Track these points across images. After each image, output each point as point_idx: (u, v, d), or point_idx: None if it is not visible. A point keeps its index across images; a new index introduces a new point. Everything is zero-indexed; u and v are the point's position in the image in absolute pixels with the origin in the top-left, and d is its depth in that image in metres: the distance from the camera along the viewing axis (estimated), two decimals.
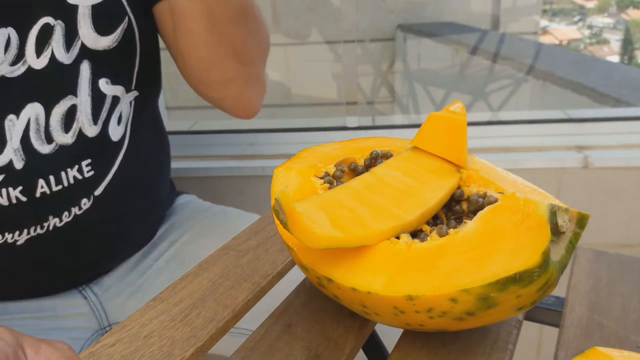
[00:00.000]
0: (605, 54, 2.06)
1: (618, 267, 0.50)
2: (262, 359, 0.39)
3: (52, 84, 0.55)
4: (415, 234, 0.39)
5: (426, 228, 0.40)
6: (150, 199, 0.71)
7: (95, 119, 0.58)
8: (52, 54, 0.55)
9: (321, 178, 0.45)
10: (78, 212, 0.59)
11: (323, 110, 1.69)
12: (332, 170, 0.46)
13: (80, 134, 0.57)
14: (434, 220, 0.42)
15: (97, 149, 0.59)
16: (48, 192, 0.56)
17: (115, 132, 0.61)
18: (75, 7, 0.55)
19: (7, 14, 0.52)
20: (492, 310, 0.34)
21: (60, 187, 0.56)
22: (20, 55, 0.53)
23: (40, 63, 0.54)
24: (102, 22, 0.57)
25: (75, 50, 0.56)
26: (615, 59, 2.06)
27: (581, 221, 0.36)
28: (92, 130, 0.58)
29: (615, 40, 1.99)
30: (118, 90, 0.60)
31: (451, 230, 0.37)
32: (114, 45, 0.59)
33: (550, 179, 1.04)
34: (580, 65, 1.84)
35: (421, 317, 0.35)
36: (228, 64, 0.66)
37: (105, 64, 0.58)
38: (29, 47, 0.53)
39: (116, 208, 0.63)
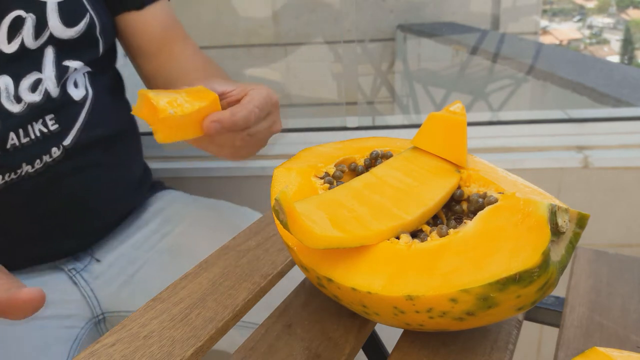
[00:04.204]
0: (605, 54, 2.06)
1: (618, 267, 0.50)
2: (262, 359, 0.39)
3: (20, 64, 0.63)
4: (415, 234, 0.39)
5: (426, 228, 0.40)
6: (118, 159, 0.75)
7: (58, 83, 0.66)
8: (22, 42, 0.63)
9: (321, 178, 0.45)
10: (49, 160, 0.66)
11: (323, 110, 1.69)
12: (332, 170, 0.46)
13: (47, 93, 0.65)
14: (434, 220, 0.42)
15: (60, 105, 0.66)
16: (18, 144, 0.63)
17: (75, 93, 0.68)
18: (44, 4, 0.64)
19: None
20: (492, 310, 0.34)
21: (27, 139, 0.64)
22: None
23: (10, 48, 0.62)
24: (68, 16, 0.66)
25: (44, 38, 0.65)
26: (615, 59, 2.06)
27: (581, 221, 0.36)
28: (56, 92, 0.66)
29: (615, 40, 1.99)
30: (78, 64, 0.69)
31: (451, 230, 0.37)
32: (77, 36, 0.67)
33: (550, 179, 1.04)
34: (580, 65, 1.84)
35: (421, 317, 0.35)
36: None
37: (69, 49, 0.67)
38: (1, 34, 0.61)
39: (85, 159, 0.69)
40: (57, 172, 0.67)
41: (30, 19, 0.63)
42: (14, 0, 0.62)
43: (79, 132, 0.68)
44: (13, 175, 0.64)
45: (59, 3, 0.65)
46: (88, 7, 0.69)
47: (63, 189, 0.68)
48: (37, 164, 0.65)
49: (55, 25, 0.65)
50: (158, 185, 0.89)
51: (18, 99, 0.63)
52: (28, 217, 0.67)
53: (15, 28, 0.62)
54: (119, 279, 0.75)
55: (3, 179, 0.63)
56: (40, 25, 0.64)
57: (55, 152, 0.66)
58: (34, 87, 0.64)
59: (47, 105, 0.65)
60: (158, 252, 0.77)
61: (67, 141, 0.67)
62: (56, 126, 0.66)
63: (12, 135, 0.63)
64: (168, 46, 0.79)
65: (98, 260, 0.76)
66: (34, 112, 0.64)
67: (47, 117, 0.65)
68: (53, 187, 0.67)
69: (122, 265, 0.76)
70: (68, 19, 0.66)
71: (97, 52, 0.71)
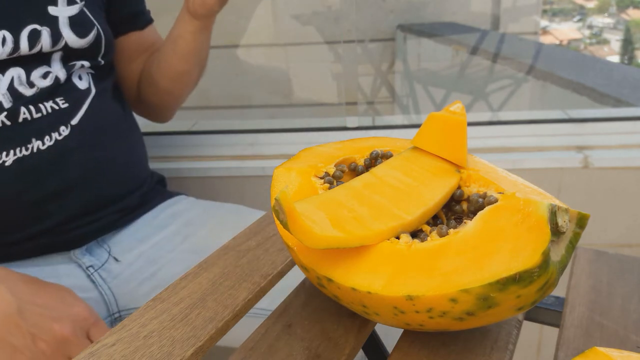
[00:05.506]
0: (605, 54, 2.06)
1: (618, 267, 0.50)
2: (262, 359, 0.39)
3: (31, 62, 0.70)
4: (415, 234, 0.39)
5: (426, 228, 0.40)
6: (122, 140, 0.80)
7: (66, 74, 0.74)
8: (41, 48, 0.70)
9: (321, 178, 0.45)
10: (59, 138, 0.71)
11: (323, 110, 1.69)
12: (332, 170, 0.46)
13: (56, 79, 0.72)
14: (434, 220, 0.42)
15: (68, 89, 0.73)
16: (29, 118, 0.69)
17: (80, 83, 0.75)
18: (56, 18, 0.72)
19: (1, 21, 0.68)
20: (492, 310, 0.34)
21: (40, 114, 0.70)
22: (15, 49, 0.68)
23: (31, 52, 0.69)
24: (79, 28, 0.74)
25: (59, 46, 0.72)
26: (615, 59, 2.06)
27: (581, 221, 0.36)
28: (64, 79, 0.73)
29: (615, 40, 1.99)
30: (84, 63, 0.76)
31: (451, 230, 0.37)
32: (87, 45, 0.75)
33: (550, 179, 1.04)
34: (580, 65, 1.84)
35: (421, 317, 0.35)
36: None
37: (76, 55, 0.75)
38: (23, 43, 0.69)
39: (92, 137, 0.75)
40: (66, 149, 0.71)
41: (45, 31, 0.70)
42: (30, 15, 0.70)
43: (86, 114, 0.74)
44: (25, 152, 0.68)
45: (69, 17, 0.73)
46: (95, 22, 0.76)
47: (71, 166, 0.72)
48: (47, 141, 0.70)
49: (69, 36, 0.73)
50: (174, 192, 0.91)
51: (31, 84, 0.70)
52: (40, 194, 0.70)
53: (34, 38, 0.70)
54: (139, 277, 0.77)
55: (15, 154, 0.68)
56: (56, 37, 0.72)
57: (64, 130, 0.71)
58: (44, 76, 0.71)
59: (57, 89, 0.72)
60: (182, 252, 0.79)
61: (75, 120, 0.73)
62: (66, 105, 0.72)
63: (23, 109, 0.69)
64: (150, 49, 0.92)
65: (117, 260, 0.77)
66: (46, 94, 0.71)
67: (58, 98, 0.72)
68: (61, 164, 0.71)
69: (142, 265, 0.78)
70: (79, 31, 0.74)
71: (99, 61, 0.78)
